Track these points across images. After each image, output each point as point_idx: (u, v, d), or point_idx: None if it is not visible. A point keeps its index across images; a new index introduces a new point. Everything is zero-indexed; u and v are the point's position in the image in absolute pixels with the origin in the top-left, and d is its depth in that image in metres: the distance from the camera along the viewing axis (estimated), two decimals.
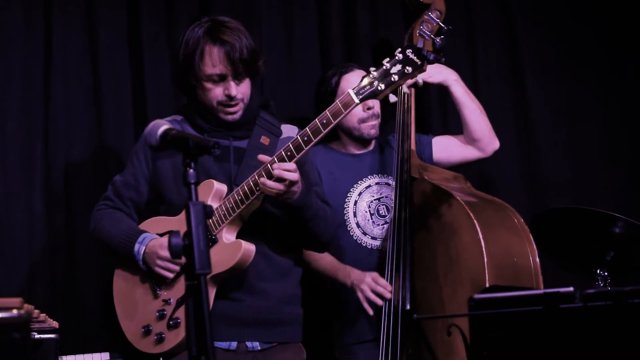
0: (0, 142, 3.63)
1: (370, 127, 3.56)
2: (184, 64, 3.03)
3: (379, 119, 3.59)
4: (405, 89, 3.49)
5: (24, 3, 3.71)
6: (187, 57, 3.01)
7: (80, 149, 3.72)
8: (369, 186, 3.57)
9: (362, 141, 3.62)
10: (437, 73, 3.55)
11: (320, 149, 3.56)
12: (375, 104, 3.54)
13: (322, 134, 2.87)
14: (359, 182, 3.56)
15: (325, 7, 4.07)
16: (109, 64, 3.77)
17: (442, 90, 4.08)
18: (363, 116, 3.53)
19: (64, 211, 3.65)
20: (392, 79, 2.81)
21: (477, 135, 3.60)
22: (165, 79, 3.83)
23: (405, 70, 2.80)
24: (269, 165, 2.86)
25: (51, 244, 3.62)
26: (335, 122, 2.87)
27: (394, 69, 2.80)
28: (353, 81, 3.51)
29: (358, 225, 3.52)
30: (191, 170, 2.18)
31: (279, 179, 2.84)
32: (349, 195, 3.54)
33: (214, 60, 2.98)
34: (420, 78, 3.49)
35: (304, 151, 2.87)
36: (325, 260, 3.44)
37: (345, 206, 3.52)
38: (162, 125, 2.37)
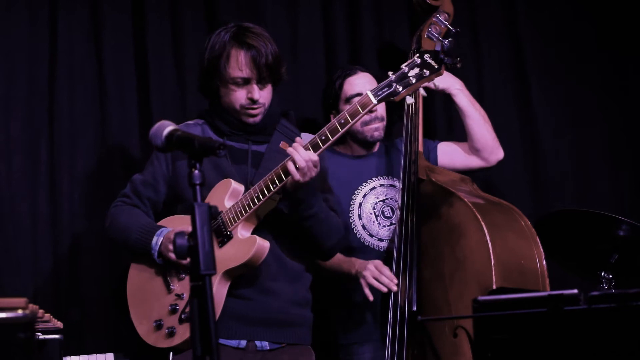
0: (5, 144, 3.63)
1: (374, 130, 3.57)
2: (208, 67, 3.11)
3: (384, 122, 3.60)
4: (422, 91, 3.50)
5: (29, 6, 3.71)
6: (213, 60, 3.09)
7: (85, 151, 3.72)
8: (374, 188, 3.58)
9: (366, 143, 3.63)
10: (442, 80, 3.54)
11: (324, 152, 3.56)
12: (378, 107, 3.56)
13: (339, 134, 2.93)
14: (364, 184, 3.57)
15: (329, 10, 4.08)
16: (114, 67, 3.78)
17: (447, 95, 4.10)
18: (366, 119, 3.54)
19: (68, 212, 3.65)
20: (410, 82, 2.90)
21: (481, 145, 3.62)
22: (170, 82, 3.84)
23: (423, 74, 2.90)
24: (286, 162, 2.91)
25: (56, 245, 3.62)
26: (352, 122, 2.93)
27: (412, 72, 2.90)
28: (356, 84, 3.53)
29: (364, 227, 3.52)
30: (196, 172, 2.19)
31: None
32: (353, 197, 3.55)
33: (240, 64, 3.05)
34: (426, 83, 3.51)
35: (320, 150, 2.93)
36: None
37: (350, 208, 3.53)
38: (167, 127, 2.38)
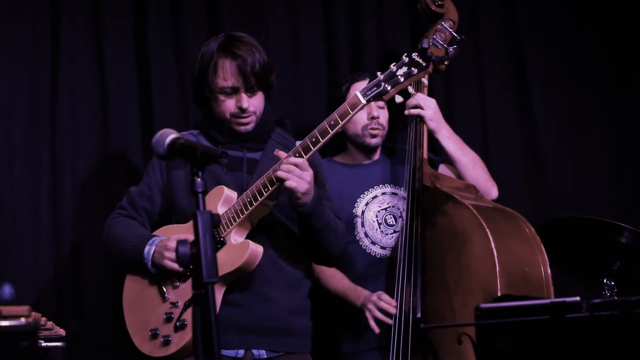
0: (6, 151, 3.64)
1: (373, 135, 3.57)
2: (199, 78, 3.12)
3: (384, 130, 3.60)
4: (411, 89, 3.49)
5: (31, 14, 3.72)
6: (202, 70, 3.10)
7: (86, 159, 3.73)
8: (376, 196, 3.57)
9: (366, 149, 3.63)
10: (436, 121, 3.49)
11: (325, 163, 3.54)
12: (380, 114, 3.57)
13: (329, 135, 2.93)
14: (366, 193, 3.57)
15: (331, 18, 4.08)
16: (116, 74, 3.78)
17: (448, 102, 4.09)
18: (366, 124, 3.56)
19: (70, 220, 3.65)
20: (399, 80, 2.91)
21: None
22: (171, 89, 3.84)
23: (411, 72, 2.92)
24: (278, 166, 2.91)
25: (58, 252, 3.62)
26: (342, 123, 2.93)
27: (400, 71, 2.92)
28: None
29: (366, 235, 3.52)
30: (199, 180, 2.19)
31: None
32: (356, 205, 3.54)
33: (226, 73, 3.06)
34: (423, 116, 3.45)
35: (312, 152, 2.93)
36: (335, 280, 3.46)
37: (353, 216, 3.52)
38: (169, 135, 2.38)
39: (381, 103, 3.54)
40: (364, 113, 3.52)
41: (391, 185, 3.60)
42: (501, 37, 4.29)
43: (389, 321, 3.27)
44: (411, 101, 3.47)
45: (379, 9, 4.15)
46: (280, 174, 2.88)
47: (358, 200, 3.55)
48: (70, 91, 3.73)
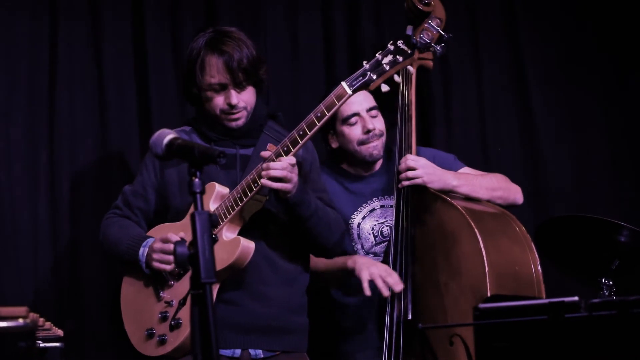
0: (5, 151, 3.64)
1: (372, 149, 3.46)
2: (187, 74, 3.10)
3: (383, 137, 3.49)
4: (396, 78, 3.43)
5: (29, 14, 3.72)
6: (190, 66, 3.08)
7: (85, 158, 3.73)
8: (374, 209, 3.50)
9: (366, 163, 3.53)
10: (437, 180, 3.34)
11: (325, 171, 3.50)
12: (376, 123, 3.45)
13: (316, 127, 2.92)
14: (364, 205, 3.51)
15: (329, 16, 4.08)
16: (114, 74, 3.78)
17: (447, 96, 4.07)
18: (362, 138, 3.45)
19: (69, 219, 3.66)
20: (384, 69, 2.91)
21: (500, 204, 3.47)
22: (170, 88, 3.84)
23: (397, 60, 2.92)
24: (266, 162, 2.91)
25: (56, 252, 3.63)
26: (329, 115, 2.93)
27: (386, 59, 2.91)
28: (351, 102, 3.29)
29: (362, 246, 3.48)
30: (197, 180, 2.19)
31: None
32: (352, 217, 3.48)
33: (212, 70, 3.04)
34: (421, 183, 3.32)
35: (299, 145, 2.93)
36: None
37: (349, 228, 3.47)
38: (167, 135, 2.38)
39: (374, 112, 3.46)
40: (358, 127, 3.45)
41: (390, 197, 3.48)
42: (501, 37, 4.29)
43: (386, 292, 3.21)
44: (401, 167, 3.35)
45: (378, 9, 4.14)
46: (273, 172, 2.87)
47: (355, 212, 3.49)
48: (69, 91, 3.73)
